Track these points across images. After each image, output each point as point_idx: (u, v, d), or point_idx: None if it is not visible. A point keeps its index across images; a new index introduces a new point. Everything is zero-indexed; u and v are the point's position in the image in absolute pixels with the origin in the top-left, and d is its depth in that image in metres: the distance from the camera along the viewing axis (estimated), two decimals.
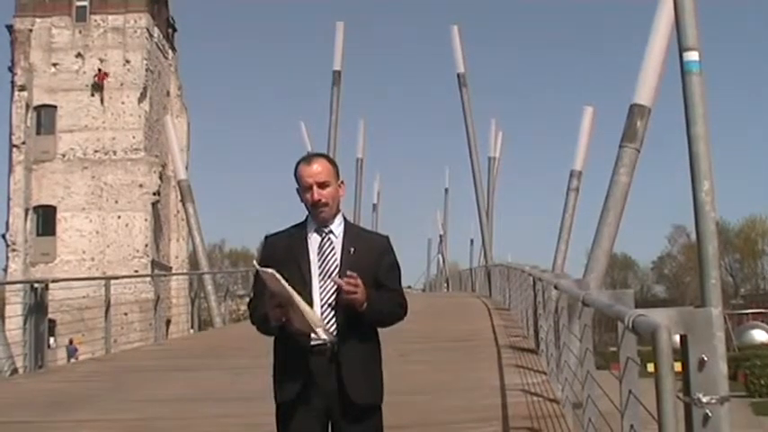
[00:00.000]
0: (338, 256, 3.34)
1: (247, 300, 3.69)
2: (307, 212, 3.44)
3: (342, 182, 3.44)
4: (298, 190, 3.40)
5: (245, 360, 10.30)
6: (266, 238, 3.51)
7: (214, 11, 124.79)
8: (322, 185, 3.34)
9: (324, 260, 3.34)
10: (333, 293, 3.28)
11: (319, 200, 3.33)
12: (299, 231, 3.41)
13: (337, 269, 3.31)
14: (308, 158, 3.42)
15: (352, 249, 3.34)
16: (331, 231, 3.38)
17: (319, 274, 3.31)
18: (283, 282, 3.12)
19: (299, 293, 3.14)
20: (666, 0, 11.59)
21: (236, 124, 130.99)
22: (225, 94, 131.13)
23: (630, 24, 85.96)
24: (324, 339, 3.25)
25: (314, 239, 3.37)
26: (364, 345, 3.31)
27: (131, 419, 7.25)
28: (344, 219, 3.45)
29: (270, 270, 3.12)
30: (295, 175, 3.40)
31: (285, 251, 3.36)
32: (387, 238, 3.55)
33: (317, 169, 3.35)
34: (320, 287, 3.30)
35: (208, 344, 14.77)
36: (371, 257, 3.37)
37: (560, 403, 6.61)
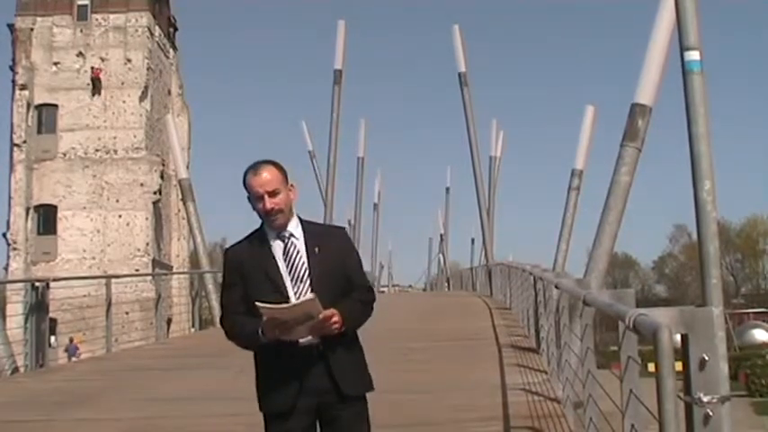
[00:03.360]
0: (304, 258, 3.39)
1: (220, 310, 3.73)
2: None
3: (292, 185, 3.44)
4: (249, 198, 3.41)
5: (247, 359, 10.23)
6: (226, 251, 3.53)
7: (215, 10, 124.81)
8: (272, 194, 3.35)
9: (291, 264, 3.38)
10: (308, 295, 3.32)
11: (272, 208, 3.35)
12: (259, 239, 3.44)
13: (306, 271, 3.37)
14: (255, 167, 3.39)
15: (317, 249, 3.40)
16: (292, 235, 3.42)
17: (291, 279, 3.37)
18: (288, 306, 3.20)
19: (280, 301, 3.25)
20: None
21: (238, 123, 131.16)
22: (226, 93, 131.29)
23: (632, 24, 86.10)
24: (312, 340, 3.32)
25: (277, 246, 3.41)
26: (345, 337, 3.37)
27: (132, 418, 7.27)
28: (300, 219, 3.48)
29: (269, 305, 3.18)
30: (244, 184, 3.40)
31: (250, 261, 3.40)
32: (344, 230, 3.66)
33: (267, 177, 3.36)
34: (294, 291, 3.35)
35: (209, 343, 14.74)
36: (336, 254, 3.43)
37: (561, 402, 6.61)
